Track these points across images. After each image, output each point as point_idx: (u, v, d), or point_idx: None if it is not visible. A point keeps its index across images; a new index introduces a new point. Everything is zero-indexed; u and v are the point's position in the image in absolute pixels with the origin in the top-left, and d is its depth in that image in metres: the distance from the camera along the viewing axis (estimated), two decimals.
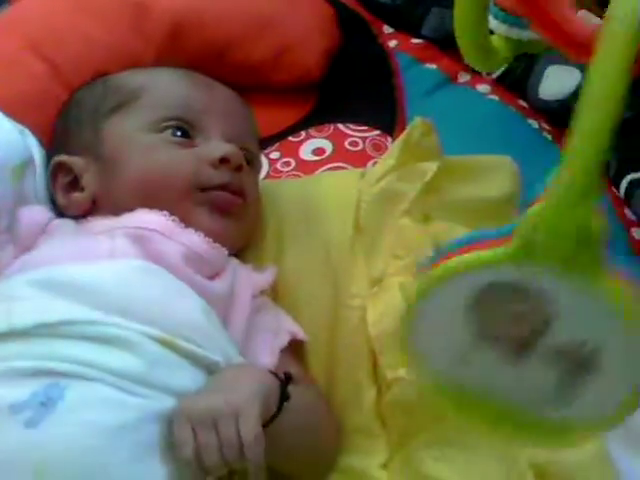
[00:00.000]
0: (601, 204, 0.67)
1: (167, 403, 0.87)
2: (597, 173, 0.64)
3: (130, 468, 0.85)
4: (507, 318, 0.74)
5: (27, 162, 1.08)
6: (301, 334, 1.04)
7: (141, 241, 0.98)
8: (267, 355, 1.00)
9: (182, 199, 1.03)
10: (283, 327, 1.04)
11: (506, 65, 1.26)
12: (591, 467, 0.99)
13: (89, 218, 1.04)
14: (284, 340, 1.03)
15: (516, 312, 0.73)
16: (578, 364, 0.74)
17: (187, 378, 0.90)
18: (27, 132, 1.11)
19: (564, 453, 0.99)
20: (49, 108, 1.16)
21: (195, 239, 1.00)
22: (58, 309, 0.90)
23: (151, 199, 1.02)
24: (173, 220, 1.00)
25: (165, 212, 1.01)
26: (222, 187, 1.04)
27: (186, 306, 0.94)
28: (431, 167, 1.10)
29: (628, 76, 0.63)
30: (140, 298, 0.92)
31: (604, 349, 0.72)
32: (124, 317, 0.90)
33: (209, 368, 0.91)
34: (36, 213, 1.04)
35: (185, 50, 1.29)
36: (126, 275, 0.94)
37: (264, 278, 1.06)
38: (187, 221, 1.01)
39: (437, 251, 0.75)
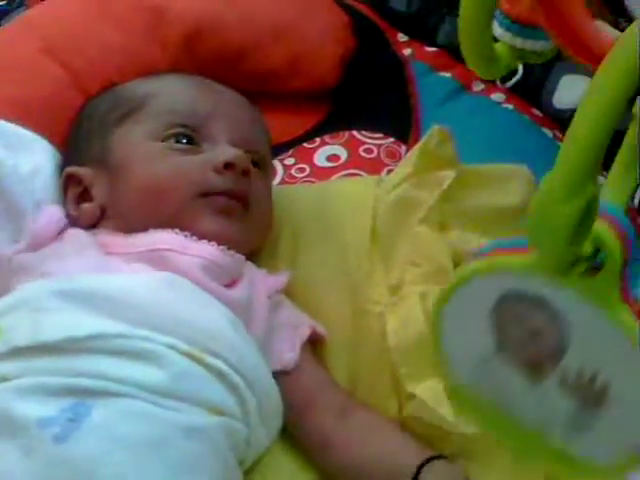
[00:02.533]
0: (627, 233, 0.68)
1: (197, 416, 0.88)
2: (587, 174, 0.64)
3: None
4: (525, 332, 0.75)
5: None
6: (320, 328, 1.04)
7: (158, 262, 0.98)
8: (288, 350, 1.01)
9: (187, 206, 1.03)
10: (302, 321, 1.04)
11: (520, 73, 1.25)
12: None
13: (100, 233, 1.04)
14: (305, 333, 1.03)
15: (534, 327, 0.74)
16: (591, 396, 0.75)
17: (215, 391, 0.90)
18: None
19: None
20: (67, 113, 1.17)
21: (209, 249, 1.00)
22: (87, 323, 0.90)
23: (156, 208, 1.03)
24: (185, 236, 1.01)
25: (176, 229, 1.01)
26: (225, 193, 1.04)
27: (213, 318, 0.95)
28: (448, 175, 1.10)
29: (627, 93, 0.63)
30: (168, 310, 0.93)
31: (615, 382, 0.73)
32: (151, 330, 0.90)
33: (231, 385, 0.92)
34: (55, 212, 1.05)
35: (200, 56, 1.29)
36: (153, 287, 0.95)
37: (279, 280, 1.07)
38: (194, 227, 1.02)
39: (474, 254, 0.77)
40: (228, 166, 1.04)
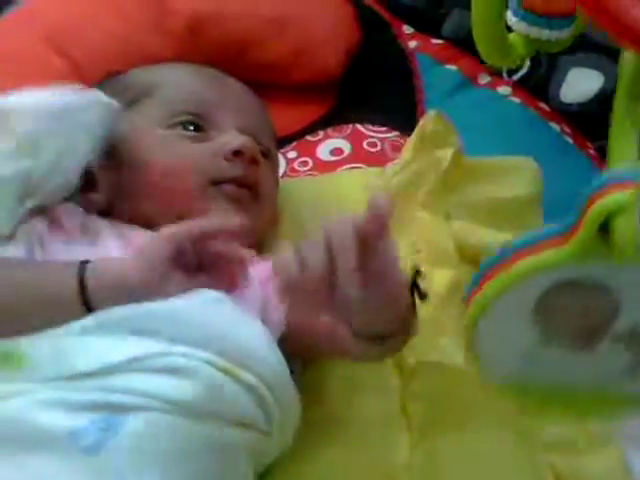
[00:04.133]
0: None
1: (230, 432, 0.86)
2: None
3: None
4: (574, 315, 0.73)
5: None
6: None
7: None
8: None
9: (196, 195, 1.01)
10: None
11: (527, 66, 1.24)
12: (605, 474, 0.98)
13: (116, 222, 1.02)
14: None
15: (582, 307, 0.73)
16: None
17: (246, 405, 0.87)
18: None
19: (583, 461, 0.98)
20: None
21: None
22: (121, 347, 0.85)
23: (163, 196, 1.01)
24: None
25: None
26: (235, 180, 1.03)
27: (249, 333, 0.91)
28: (445, 156, 1.08)
29: None
30: (204, 325, 0.89)
31: None
32: (189, 345, 0.86)
33: (259, 398, 0.88)
34: (72, 207, 1.03)
35: (204, 46, 1.29)
36: (192, 304, 0.90)
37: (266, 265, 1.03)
38: (202, 216, 0.98)
39: (501, 253, 0.73)
40: (237, 153, 1.03)
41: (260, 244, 1.09)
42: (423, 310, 0.97)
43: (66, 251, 0.96)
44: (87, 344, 0.86)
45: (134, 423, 0.82)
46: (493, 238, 1.05)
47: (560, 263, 0.70)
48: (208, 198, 1.01)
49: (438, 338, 0.98)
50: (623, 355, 0.75)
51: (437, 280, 1.00)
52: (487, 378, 0.80)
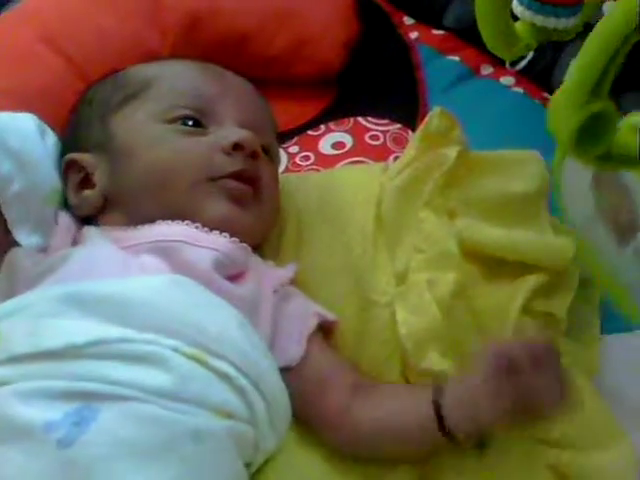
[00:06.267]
0: None
1: (204, 419, 0.85)
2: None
3: None
4: (612, 203, 0.88)
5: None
6: (330, 315, 1.01)
7: (168, 253, 0.95)
8: (295, 344, 0.98)
9: (193, 190, 1.00)
10: (310, 311, 1.01)
11: (530, 55, 1.23)
12: (614, 473, 0.97)
13: (108, 229, 1.01)
14: (312, 324, 0.99)
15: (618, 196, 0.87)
16: None
17: (222, 394, 0.88)
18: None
19: (591, 458, 0.98)
20: (66, 101, 1.14)
21: (222, 241, 0.98)
22: (88, 329, 0.87)
23: (162, 193, 1.00)
24: (196, 227, 0.98)
25: (187, 221, 0.98)
26: (235, 175, 1.01)
27: (220, 319, 0.91)
28: (450, 154, 1.07)
29: None
30: (173, 312, 0.89)
31: None
32: (156, 332, 0.87)
33: (237, 388, 0.89)
34: (67, 217, 1.03)
35: (201, 41, 1.27)
36: (159, 289, 0.91)
37: (284, 273, 1.03)
38: (202, 215, 0.99)
39: None
40: (237, 147, 1.01)
41: (263, 244, 1.08)
42: (430, 317, 0.97)
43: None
44: (56, 325, 0.87)
45: (107, 416, 0.82)
46: (499, 235, 1.04)
47: None
48: (205, 194, 1.00)
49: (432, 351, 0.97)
50: None
51: (442, 284, 0.99)
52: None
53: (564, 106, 0.82)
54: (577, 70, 0.81)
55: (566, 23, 0.89)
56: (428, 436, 0.91)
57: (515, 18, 0.90)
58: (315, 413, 0.97)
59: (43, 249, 1.00)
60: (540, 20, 0.88)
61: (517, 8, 0.88)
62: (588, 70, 0.80)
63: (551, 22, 0.88)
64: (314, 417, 0.97)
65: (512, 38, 0.87)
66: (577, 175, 0.85)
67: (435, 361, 0.96)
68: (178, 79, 1.08)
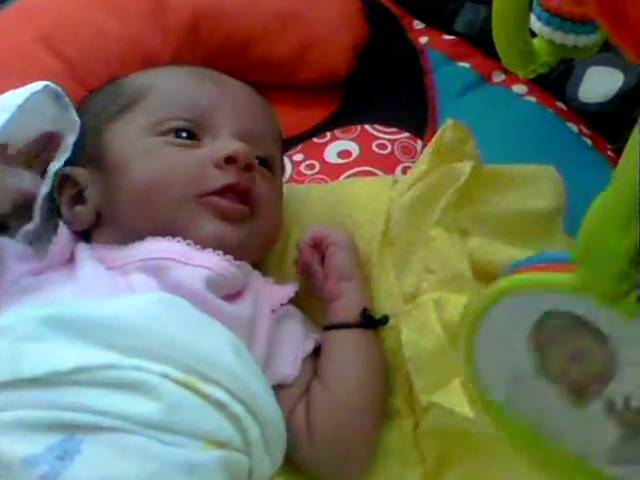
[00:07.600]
0: None
1: (196, 451, 0.82)
2: None
3: None
4: (568, 353, 0.72)
5: None
6: None
7: (157, 272, 0.92)
8: (289, 366, 0.96)
9: (181, 207, 0.96)
10: (307, 334, 0.99)
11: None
12: None
13: (97, 247, 0.98)
14: (309, 347, 0.98)
15: (578, 348, 0.72)
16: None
17: (214, 423, 0.84)
18: None
19: None
20: None
21: (215, 259, 0.94)
22: (72, 354, 0.83)
23: (150, 210, 0.96)
24: (188, 244, 0.94)
25: (178, 238, 0.95)
26: (227, 188, 0.97)
27: (212, 342, 0.88)
28: (464, 169, 1.02)
29: None
30: (162, 335, 0.85)
31: None
32: (143, 357, 0.83)
33: (231, 416, 0.85)
34: (66, 229, 0.99)
35: (205, 45, 1.25)
36: (146, 310, 0.87)
37: (285, 292, 1.01)
38: (193, 233, 0.95)
39: (509, 267, 0.73)
40: (229, 160, 0.97)
41: (265, 259, 1.05)
42: (435, 339, 0.94)
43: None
44: (38, 349, 0.83)
45: (92, 447, 0.79)
46: (514, 255, 0.99)
47: (556, 288, 0.68)
48: (193, 211, 0.96)
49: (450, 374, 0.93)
50: (614, 432, 0.73)
51: (451, 306, 0.95)
52: (485, 394, 0.78)
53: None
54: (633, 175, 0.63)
55: (586, 40, 0.85)
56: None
57: (533, 34, 0.86)
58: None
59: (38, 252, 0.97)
60: (559, 37, 0.85)
61: (535, 24, 0.84)
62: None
63: (570, 39, 0.85)
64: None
65: (530, 55, 0.84)
66: (506, 326, 0.74)
67: (435, 396, 0.93)
68: (173, 89, 1.04)
